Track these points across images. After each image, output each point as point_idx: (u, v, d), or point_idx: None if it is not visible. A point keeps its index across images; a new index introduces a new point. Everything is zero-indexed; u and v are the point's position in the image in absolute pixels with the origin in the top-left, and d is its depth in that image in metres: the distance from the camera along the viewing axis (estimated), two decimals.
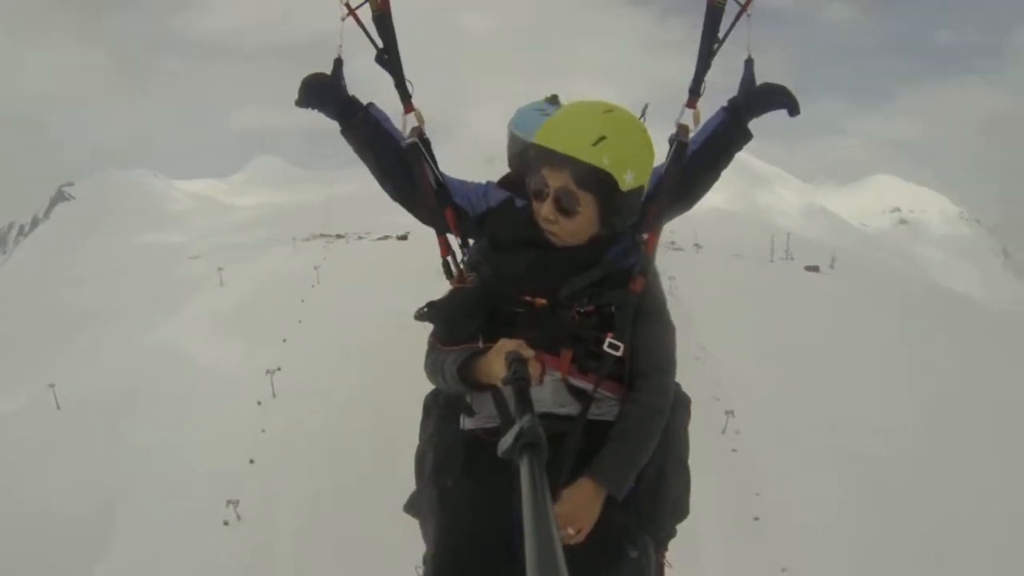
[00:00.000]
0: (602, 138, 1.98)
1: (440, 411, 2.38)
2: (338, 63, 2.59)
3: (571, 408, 2.09)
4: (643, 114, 2.43)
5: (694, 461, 2.40)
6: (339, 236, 16.53)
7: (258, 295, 10.50)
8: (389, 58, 2.66)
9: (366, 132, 2.67)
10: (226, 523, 4.68)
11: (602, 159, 1.97)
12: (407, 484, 4.82)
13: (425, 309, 2.21)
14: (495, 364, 1.79)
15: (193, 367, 7.88)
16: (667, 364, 2.23)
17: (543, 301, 2.10)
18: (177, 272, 13.52)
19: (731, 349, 7.82)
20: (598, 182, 2.01)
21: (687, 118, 2.57)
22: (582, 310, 2.11)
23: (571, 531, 1.85)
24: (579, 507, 1.92)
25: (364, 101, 2.59)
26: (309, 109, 2.55)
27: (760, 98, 2.71)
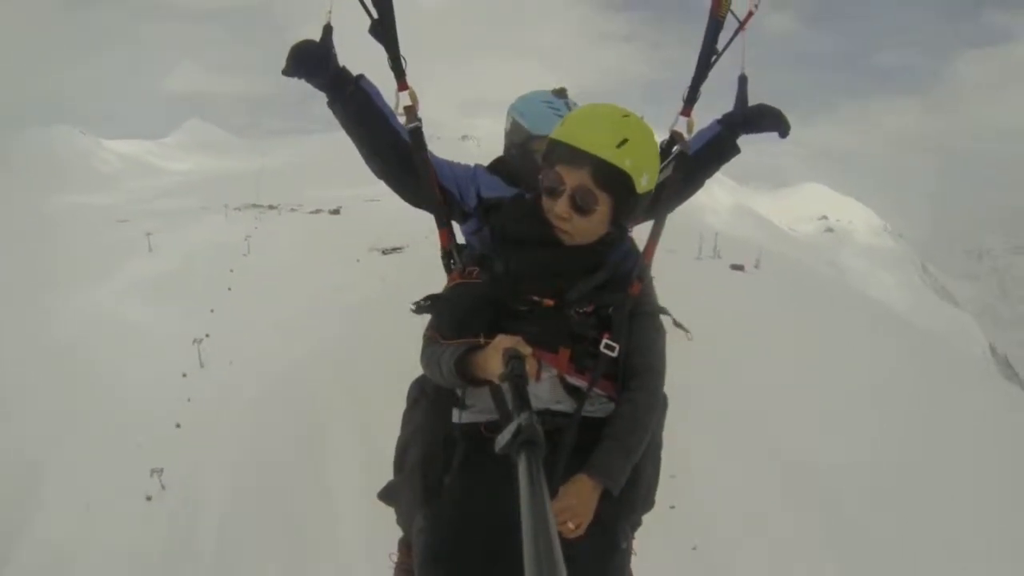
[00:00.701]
0: (625, 140, 2.00)
1: (429, 403, 2.37)
2: (328, 30, 2.47)
3: (566, 405, 2.12)
4: None
5: None
6: (271, 207, 16.32)
7: (188, 263, 10.36)
8: (384, 29, 2.53)
9: (357, 106, 2.59)
10: (149, 498, 4.66)
11: (625, 161, 1.99)
12: (334, 457, 4.86)
13: (426, 302, 2.26)
14: (492, 360, 1.76)
15: (122, 334, 7.76)
16: (659, 365, 2.27)
17: (551, 302, 2.11)
18: (105, 236, 13.18)
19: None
20: (617, 183, 2.03)
21: (681, 125, 2.66)
22: (581, 310, 2.15)
23: (571, 525, 1.88)
24: (578, 502, 1.94)
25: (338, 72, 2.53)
26: (296, 78, 2.46)
27: (755, 118, 2.84)
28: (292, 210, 15.78)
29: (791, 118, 2.70)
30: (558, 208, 2.05)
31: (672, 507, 4.91)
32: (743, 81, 2.80)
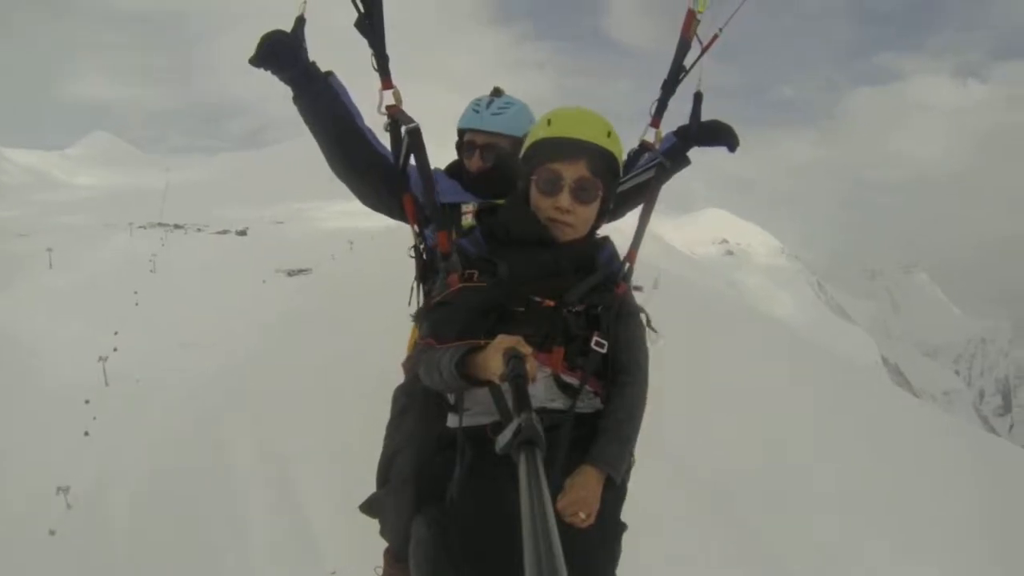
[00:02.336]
0: (610, 132, 2.18)
1: (420, 410, 2.40)
2: (300, 22, 2.42)
3: (560, 402, 2.15)
4: None
5: None
6: (177, 226, 16.12)
7: (92, 280, 10.16)
8: (371, 25, 2.51)
9: (325, 103, 2.56)
10: (52, 533, 4.50)
11: (614, 147, 2.18)
12: (240, 474, 4.95)
13: (428, 310, 2.25)
14: (493, 360, 1.76)
15: (20, 352, 7.54)
16: (644, 361, 2.34)
17: (551, 302, 2.16)
18: (2, 250, 12.81)
19: None
20: (609, 170, 2.19)
21: (650, 135, 2.95)
22: (573, 310, 2.19)
23: (582, 515, 1.92)
24: (587, 493, 1.98)
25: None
26: (264, 69, 2.37)
27: (707, 132, 3.07)
28: (198, 230, 15.61)
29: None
30: (561, 202, 2.16)
31: None
32: (698, 98, 3.02)
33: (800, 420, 6.61)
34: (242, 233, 15.00)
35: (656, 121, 3.05)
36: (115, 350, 6.74)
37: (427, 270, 2.86)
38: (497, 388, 1.89)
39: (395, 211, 2.90)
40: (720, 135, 3.06)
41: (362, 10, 2.48)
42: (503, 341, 1.76)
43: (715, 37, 2.90)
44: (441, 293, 2.23)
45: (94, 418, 5.88)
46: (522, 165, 2.27)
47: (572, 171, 2.14)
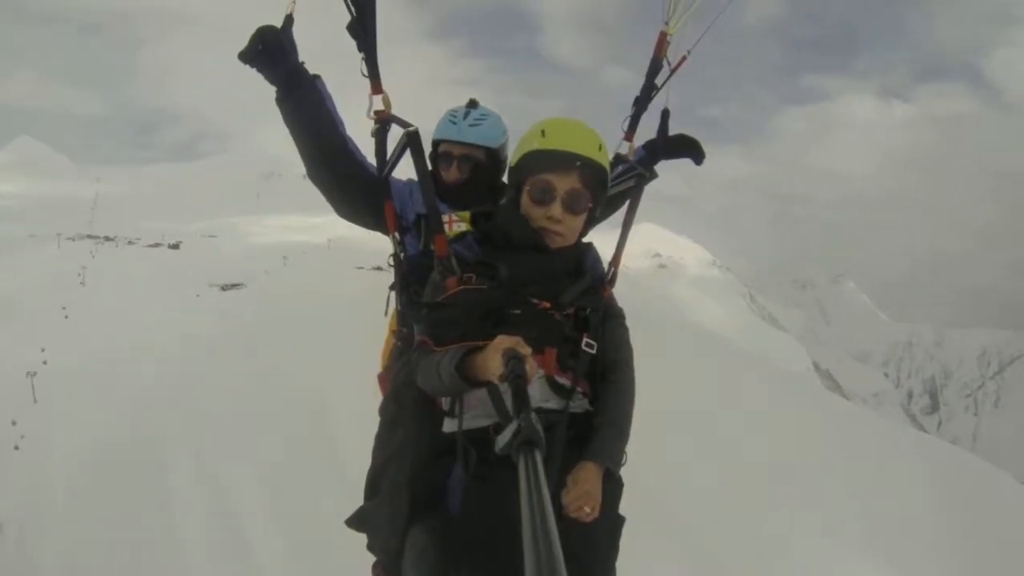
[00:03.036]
0: (600, 145, 2.24)
1: (412, 417, 2.37)
2: (289, 21, 2.39)
3: (555, 402, 2.17)
4: None
5: None
6: (108, 239, 15.86)
7: (19, 293, 9.95)
8: (363, 28, 2.46)
9: (310, 106, 2.52)
10: None
11: (605, 160, 2.24)
12: (175, 488, 4.95)
13: (426, 310, 2.22)
14: (492, 361, 1.76)
15: None
16: (631, 360, 2.40)
17: (547, 304, 2.20)
18: None
19: None
20: (599, 181, 2.25)
21: (624, 148, 3.04)
22: (564, 313, 2.24)
23: (587, 509, 1.95)
24: (590, 487, 2.02)
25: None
26: (253, 67, 2.37)
27: (674, 146, 3.21)
28: (130, 243, 15.41)
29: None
30: (552, 211, 2.20)
31: None
32: (665, 115, 3.14)
33: (731, 421, 6.80)
34: (175, 247, 14.90)
35: (629, 135, 3.15)
36: (45, 364, 6.61)
37: (408, 279, 2.84)
38: (495, 389, 1.89)
39: (372, 221, 2.87)
40: (686, 148, 3.21)
41: (355, 13, 2.42)
42: (503, 342, 1.77)
43: (683, 59, 3.03)
44: (435, 296, 2.26)
45: (22, 437, 5.74)
46: (513, 173, 2.32)
47: (564, 183, 2.20)
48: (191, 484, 4.99)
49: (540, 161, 2.20)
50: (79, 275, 10.42)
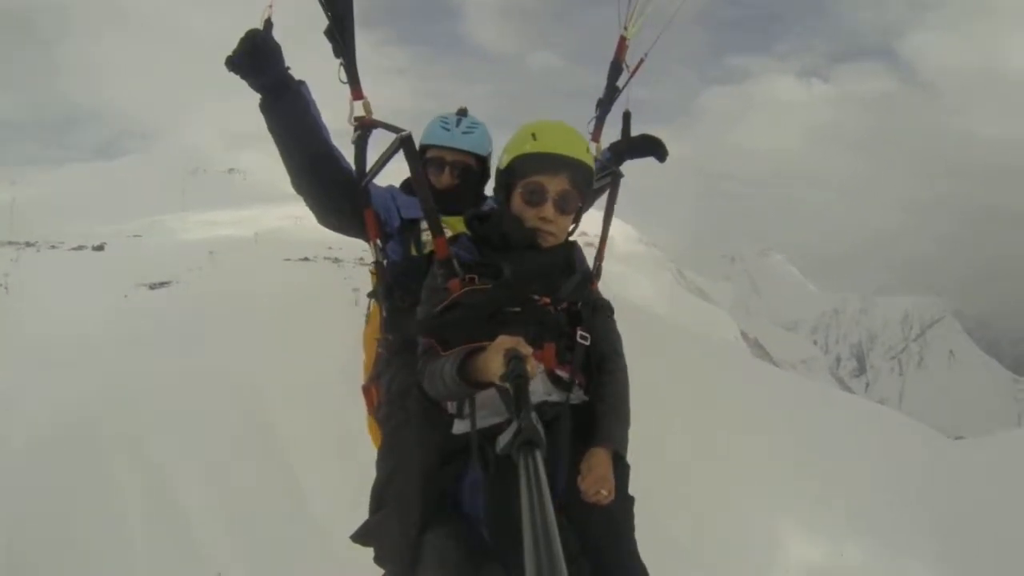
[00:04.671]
0: (587, 147, 2.35)
1: (419, 423, 2.35)
2: (268, 25, 2.35)
3: (556, 395, 2.25)
4: None
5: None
6: (29, 244, 15.55)
7: None
8: (341, 32, 2.44)
9: (296, 113, 2.48)
10: None
11: (592, 162, 2.34)
12: (117, 494, 5.09)
13: (437, 314, 2.24)
14: (494, 361, 1.78)
15: None
16: (621, 348, 2.51)
17: (547, 300, 2.29)
18: None
19: None
20: (586, 182, 2.35)
21: (592, 149, 2.87)
22: (560, 308, 2.34)
23: (603, 492, 2.01)
24: (604, 471, 2.08)
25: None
26: (239, 74, 2.33)
27: (637, 145, 3.34)
28: (52, 247, 15.07)
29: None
30: (545, 212, 2.30)
31: None
32: (627, 117, 3.29)
33: (650, 390, 7.11)
34: (99, 248, 14.66)
35: (596, 136, 3.33)
36: None
37: (393, 285, 2.81)
38: (504, 388, 1.83)
39: (357, 228, 2.81)
40: (649, 148, 3.36)
41: (332, 17, 2.41)
42: (504, 342, 1.80)
43: (641, 61, 3.20)
44: (432, 299, 2.31)
45: None
46: (503, 175, 2.39)
47: (556, 184, 2.29)
48: (132, 477, 5.09)
49: (532, 164, 2.29)
50: (1, 283, 10.29)
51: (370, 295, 3.06)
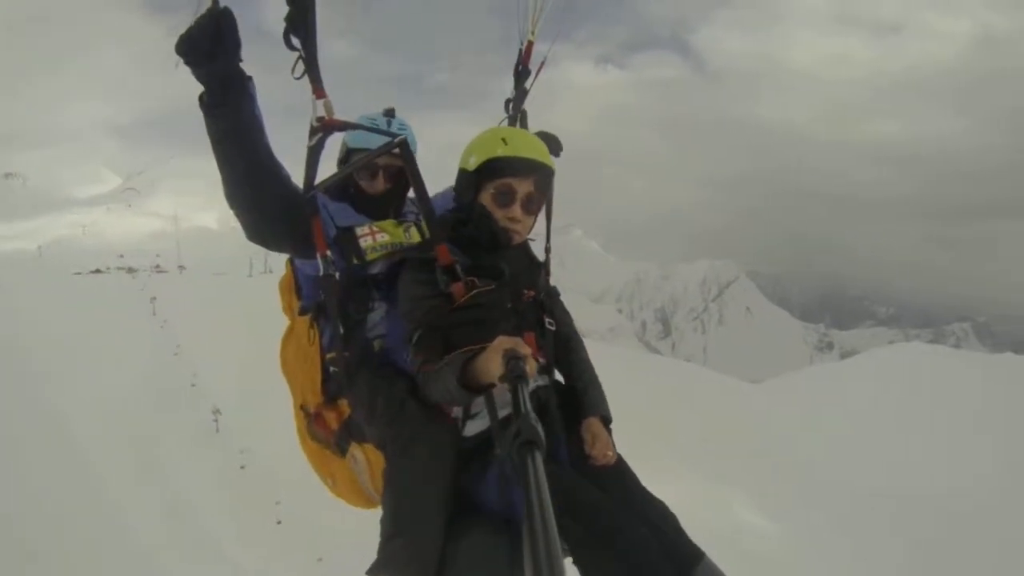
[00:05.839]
0: (549, 151, 2.44)
1: (430, 439, 2.23)
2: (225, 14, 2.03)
3: (541, 380, 2.40)
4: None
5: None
6: None
7: None
8: (302, 22, 2.11)
9: (245, 112, 2.18)
10: None
11: (553, 165, 2.43)
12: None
13: (455, 314, 2.26)
14: (493, 363, 1.77)
15: None
16: (574, 325, 2.75)
17: (532, 293, 2.44)
18: None
19: (215, 354, 8.69)
20: (549, 184, 2.43)
21: None
22: (530, 298, 2.46)
23: (609, 453, 2.30)
24: (604, 436, 2.34)
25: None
26: (188, 61, 2.04)
27: None
28: None
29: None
30: (514, 212, 2.35)
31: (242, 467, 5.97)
32: (524, 116, 3.27)
33: None
34: None
35: None
36: None
37: (346, 299, 2.53)
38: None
39: (289, 243, 2.55)
40: (547, 144, 3.32)
41: (293, 5, 2.09)
42: (503, 342, 1.78)
43: (542, 64, 3.25)
44: (416, 306, 2.29)
45: None
46: (470, 177, 2.39)
47: (524, 186, 2.34)
48: None
49: (503, 166, 2.33)
50: None
51: (309, 312, 2.70)
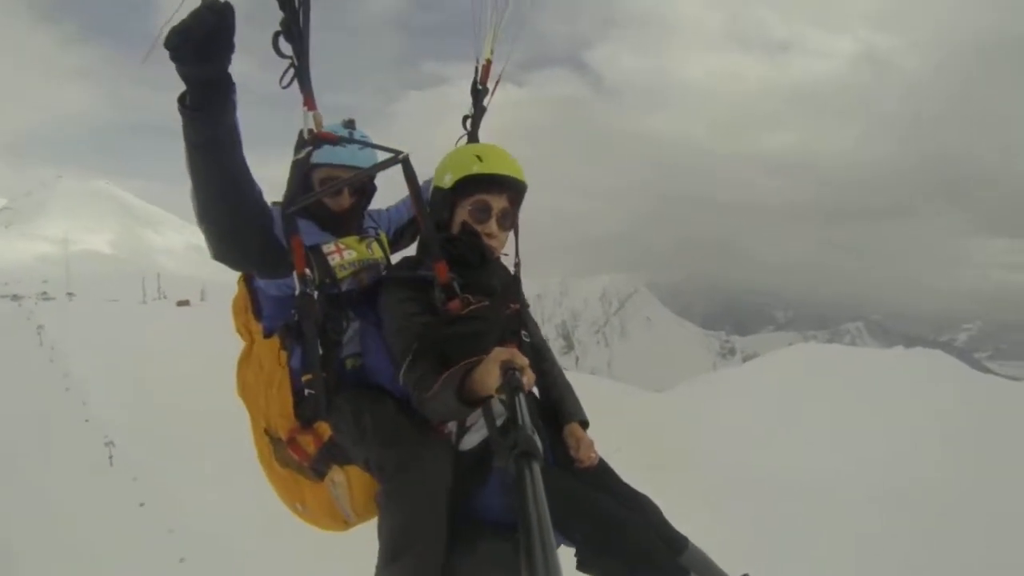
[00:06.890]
0: (521, 167, 2.46)
1: (431, 459, 2.20)
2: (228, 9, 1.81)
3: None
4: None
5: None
6: None
7: None
8: (296, 31, 2.04)
9: (228, 120, 1.98)
10: None
11: (526, 180, 2.47)
12: None
13: (455, 328, 2.24)
14: (490, 375, 1.75)
15: None
16: (542, 335, 2.85)
17: (516, 307, 2.51)
18: None
19: (108, 384, 8.43)
20: (521, 199, 2.49)
21: None
22: (515, 312, 2.52)
23: (592, 455, 2.47)
24: (587, 440, 2.51)
25: None
26: (179, 58, 1.78)
27: None
28: None
29: None
30: (490, 228, 2.40)
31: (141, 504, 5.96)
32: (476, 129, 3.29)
33: None
34: None
35: None
36: None
37: (324, 319, 2.40)
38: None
39: (257, 262, 2.40)
40: None
41: (288, 14, 2.02)
42: (499, 354, 1.76)
43: (497, 82, 3.29)
44: (407, 323, 2.25)
45: None
46: (445, 194, 2.40)
47: (499, 202, 2.41)
48: None
49: (480, 184, 2.37)
50: None
51: (286, 341, 2.53)
